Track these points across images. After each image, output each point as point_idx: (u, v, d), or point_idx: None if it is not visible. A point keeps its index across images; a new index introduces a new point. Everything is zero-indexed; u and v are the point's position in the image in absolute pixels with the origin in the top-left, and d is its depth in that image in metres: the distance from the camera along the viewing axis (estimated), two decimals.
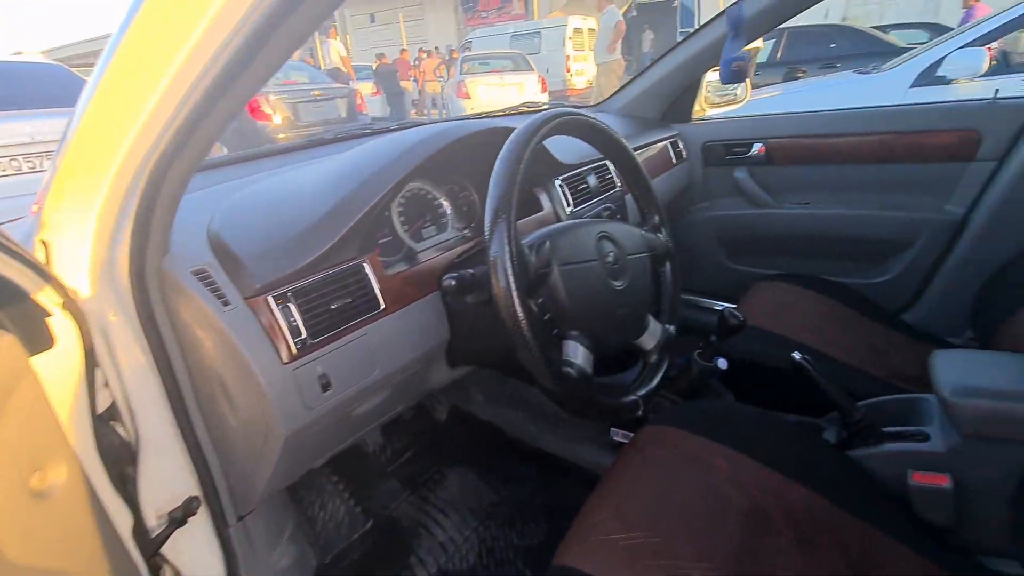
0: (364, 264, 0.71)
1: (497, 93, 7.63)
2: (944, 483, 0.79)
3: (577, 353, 0.67)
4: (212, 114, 0.47)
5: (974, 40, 2.77)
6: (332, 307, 0.66)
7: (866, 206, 1.54)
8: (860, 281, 1.59)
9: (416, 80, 11.00)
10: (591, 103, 1.99)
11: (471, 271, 0.68)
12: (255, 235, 0.67)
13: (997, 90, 1.33)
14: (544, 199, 1.05)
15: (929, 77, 2.80)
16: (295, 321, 0.63)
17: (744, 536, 0.67)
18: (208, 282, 0.60)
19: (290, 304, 0.63)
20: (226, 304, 0.60)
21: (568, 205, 1.07)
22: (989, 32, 2.80)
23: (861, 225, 1.54)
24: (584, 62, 9.92)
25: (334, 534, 1.12)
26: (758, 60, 6.56)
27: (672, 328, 0.88)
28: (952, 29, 6.93)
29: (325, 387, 0.66)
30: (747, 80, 1.75)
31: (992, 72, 2.73)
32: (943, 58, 2.73)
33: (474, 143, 0.88)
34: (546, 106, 1.86)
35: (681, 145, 1.69)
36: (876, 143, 1.47)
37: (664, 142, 1.60)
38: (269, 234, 0.67)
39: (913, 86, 2.86)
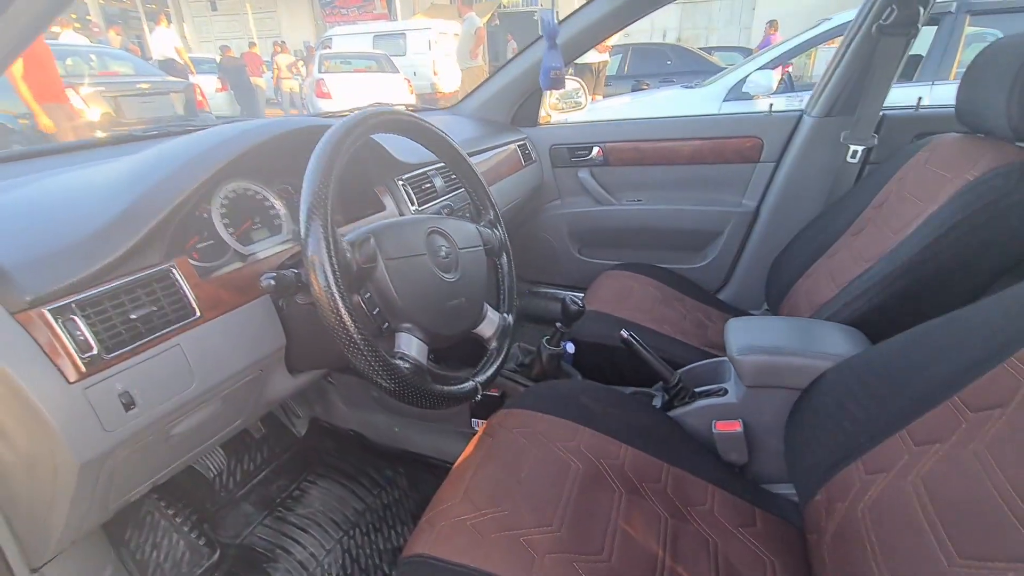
0: (172, 269, 0.65)
1: (361, 93, 7.36)
2: (737, 428, 0.95)
3: (410, 345, 0.69)
4: None
5: (766, 64, 3.32)
6: (132, 316, 0.60)
7: (685, 202, 1.77)
8: (686, 267, 1.83)
9: (272, 77, 10.20)
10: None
11: (295, 271, 0.66)
12: (27, 241, 0.58)
13: (771, 104, 1.61)
14: (388, 200, 1.05)
15: (737, 92, 3.31)
16: (82, 335, 0.56)
17: (581, 497, 0.75)
18: None
19: (74, 316, 0.55)
20: None
21: (412, 204, 1.08)
22: (777, 57, 3.39)
23: (682, 218, 1.77)
24: (451, 65, 9.99)
25: (171, 573, 1.01)
26: (608, 72, 7.18)
27: (510, 316, 0.94)
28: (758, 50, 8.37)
29: (128, 405, 0.59)
30: (585, 94, 1.91)
31: (781, 90, 3.30)
32: (745, 78, 3.24)
33: (300, 141, 0.85)
34: (397, 104, 1.85)
35: (530, 147, 1.79)
36: (689, 148, 1.71)
37: (513, 144, 1.69)
38: (45, 240, 0.58)
39: (725, 100, 3.36)
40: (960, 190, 0.99)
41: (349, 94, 7.24)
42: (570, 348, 1.30)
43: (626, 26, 1.54)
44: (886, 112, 1.46)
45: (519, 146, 1.72)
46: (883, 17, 1.31)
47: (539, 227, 1.95)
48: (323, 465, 1.35)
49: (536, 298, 2.08)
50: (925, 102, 1.51)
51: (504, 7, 12.50)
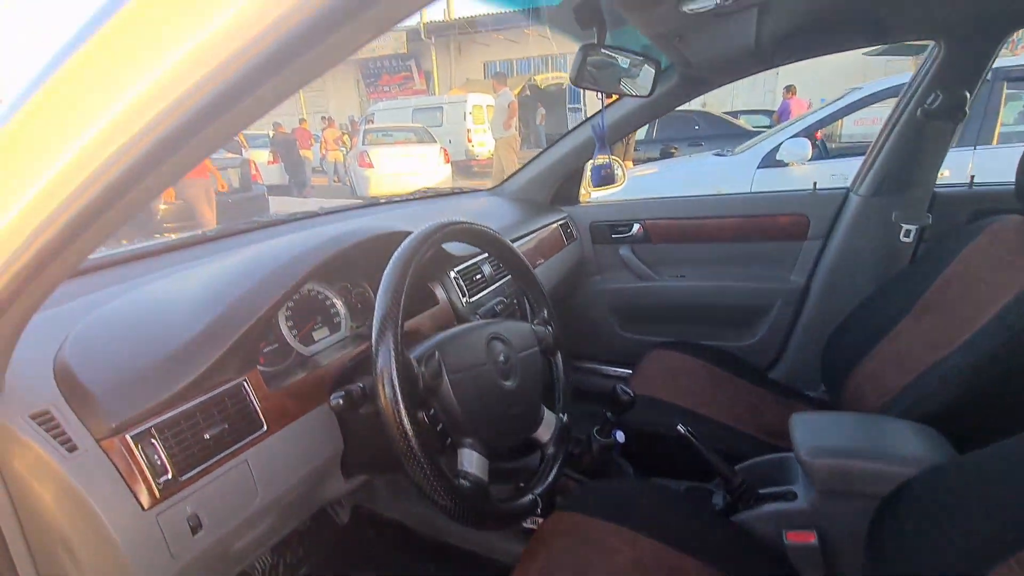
0: (244, 384, 0.67)
1: (400, 163, 7.79)
2: (811, 540, 0.88)
3: (472, 462, 0.68)
4: (138, 187, 0.35)
5: (800, 132, 3.36)
6: (205, 436, 0.61)
7: (730, 278, 1.75)
8: (733, 344, 1.78)
9: (319, 149, 10.95)
10: (491, 174, 2.12)
11: (360, 385, 0.67)
12: (113, 363, 0.60)
13: (815, 183, 1.61)
14: (439, 292, 1.07)
15: (770, 160, 3.33)
16: (159, 460, 0.57)
17: None
18: (50, 425, 0.53)
19: (153, 440, 0.57)
20: (72, 450, 0.53)
21: (464, 296, 1.10)
22: (811, 125, 3.43)
23: (728, 295, 1.74)
24: (484, 134, 10.52)
25: None
26: (637, 138, 7.39)
27: (565, 417, 0.92)
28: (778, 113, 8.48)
29: (195, 528, 0.59)
30: (622, 168, 1.97)
31: (815, 157, 3.31)
32: (778, 146, 3.27)
33: (368, 245, 0.89)
34: (442, 188, 1.94)
35: (571, 225, 1.82)
36: (732, 224, 1.70)
37: (555, 224, 1.72)
38: (131, 360, 0.61)
39: (760, 167, 3.38)
40: None
41: (389, 163, 7.67)
42: (620, 438, 1.26)
43: (664, 114, 1.60)
44: (938, 190, 1.44)
45: (561, 225, 1.75)
46: (928, 102, 1.32)
47: (580, 302, 1.95)
48: (366, 559, 1.31)
49: (578, 374, 2.04)
50: (969, 168, 1.49)
51: (534, 81, 13.23)
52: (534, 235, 1.58)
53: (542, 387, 0.86)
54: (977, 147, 2.95)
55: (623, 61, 1.05)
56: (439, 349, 0.69)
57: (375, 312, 0.65)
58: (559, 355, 0.95)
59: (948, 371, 1.01)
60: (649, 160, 7.25)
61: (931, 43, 1.32)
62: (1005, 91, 2.98)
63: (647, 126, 7.78)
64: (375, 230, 0.92)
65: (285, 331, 0.84)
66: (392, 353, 0.61)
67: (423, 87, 16.10)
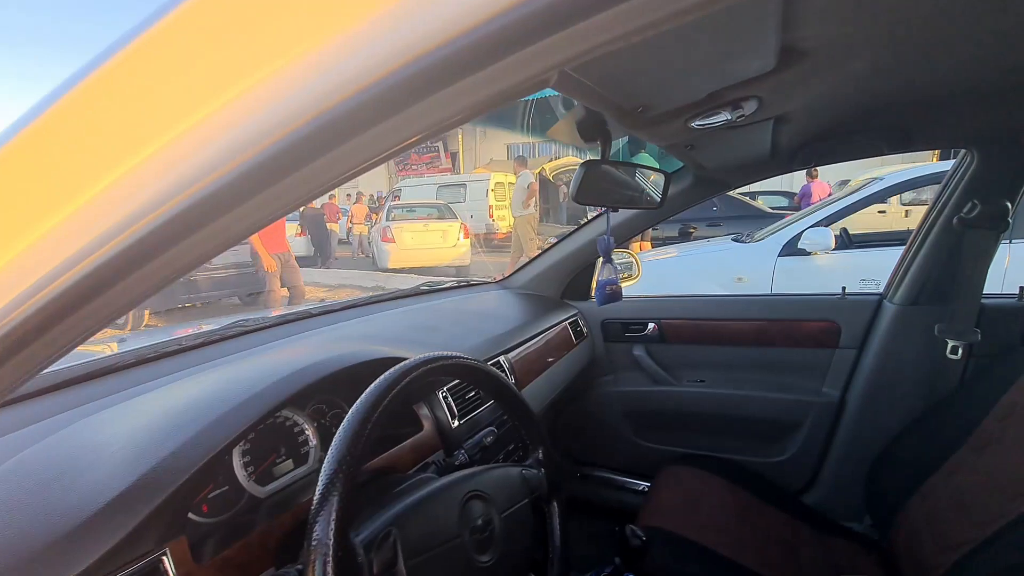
0: (163, 559, 0.56)
1: (422, 238, 7.98)
2: None
3: None
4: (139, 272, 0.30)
5: (820, 221, 3.29)
6: None
7: (755, 386, 1.60)
8: (761, 460, 1.60)
9: (346, 222, 11.41)
10: (509, 248, 2.06)
11: (298, 567, 0.55)
12: (16, 532, 0.50)
13: (844, 287, 1.50)
14: (425, 413, 0.96)
15: (792, 248, 3.23)
16: None
17: None
18: None
19: None
20: None
21: (455, 418, 0.99)
22: (831, 215, 3.35)
23: (753, 405, 1.59)
24: (505, 210, 10.80)
25: None
26: None
27: None
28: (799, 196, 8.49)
29: None
30: (637, 263, 1.89)
31: (839, 246, 3.21)
32: (800, 234, 3.19)
33: (347, 372, 0.80)
34: (449, 281, 1.88)
35: (581, 323, 1.72)
36: (754, 328, 1.58)
37: (565, 323, 1.63)
38: (29, 531, 0.51)
39: (781, 255, 3.28)
40: None
41: (410, 238, 7.85)
42: None
43: (679, 213, 1.54)
44: (985, 302, 1.31)
45: (570, 323, 1.65)
46: (965, 211, 1.23)
47: (590, 404, 1.81)
48: None
49: (586, 483, 1.86)
50: (1006, 263, 1.36)
51: (543, 170, 13.76)
52: (543, 335, 1.49)
53: (528, 554, 0.72)
54: (1012, 240, 2.82)
55: (630, 175, 0.99)
56: (397, 526, 0.57)
57: (324, 464, 0.55)
58: (556, 505, 0.81)
59: None
60: (668, 240, 7.26)
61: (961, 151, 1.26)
62: None
63: None
64: (358, 357, 0.83)
65: (238, 468, 0.73)
66: (331, 537, 0.49)
67: (449, 165, 16.88)
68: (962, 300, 1.26)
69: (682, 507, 1.29)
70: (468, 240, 8.56)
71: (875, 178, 3.51)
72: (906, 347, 1.38)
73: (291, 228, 9.46)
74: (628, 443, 1.78)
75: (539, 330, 1.46)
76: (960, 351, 1.29)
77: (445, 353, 0.70)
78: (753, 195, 9.87)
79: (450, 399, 1.00)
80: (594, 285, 1.83)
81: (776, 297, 1.59)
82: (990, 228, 1.21)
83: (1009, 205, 1.18)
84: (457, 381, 1.05)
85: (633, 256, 1.88)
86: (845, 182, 7.36)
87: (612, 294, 1.05)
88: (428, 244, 7.89)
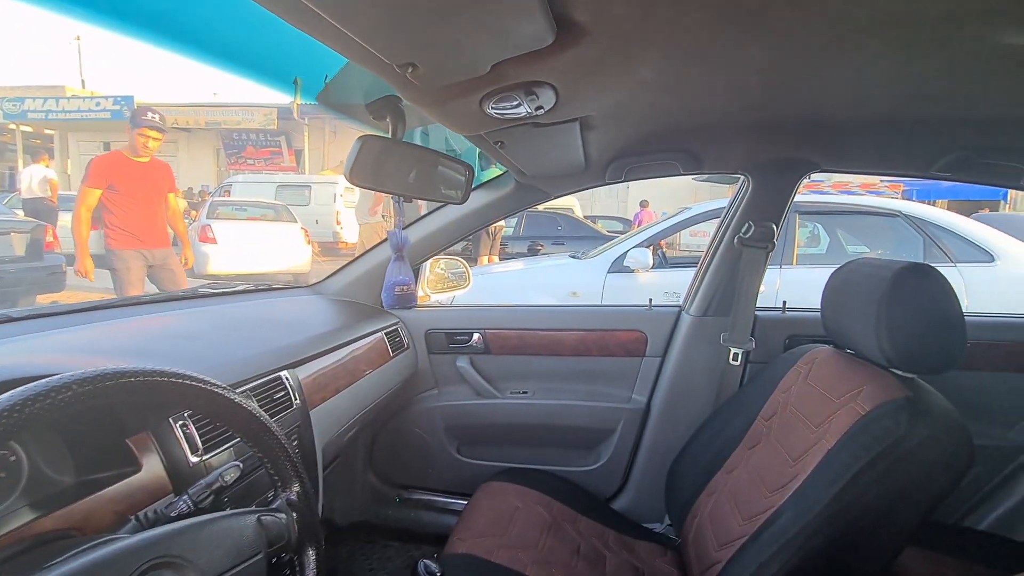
0: None
1: (251, 241, 7.05)
2: None
3: None
4: None
5: (643, 241, 3.63)
6: None
7: (574, 396, 1.61)
8: (578, 469, 1.61)
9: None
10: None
11: None
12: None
13: (651, 300, 1.59)
14: (150, 450, 0.73)
15: (619, 266, 3.51)
16: None
17: None
18: None
19: None
20: None
21: (196, 451, 0.76)
22: (651, 236, 3.73)
23: (572, 415, 1.60)
24: (354, 218, 10.21)
25: None
26: (505, 233, 7.67)
27: None
28: (632, 223, 9.55)
29: None
30: (465, 265, 1.82)
31: (657, 265, 3.57)
32: (625, 253, 3.48)
33: None
34: (254, 284, 1.60)
35: (403, 333, 1.58)
36: (573, 338, 1.60)
37: (381, 332, 1.47)
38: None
39: (609, 272, 3.54)
40: (852, 429, 0.92)
41: (238, 241, 6.90)
42: None
43: (501, 219, 1.51)
44: (758, 314, 1.47)
45: (388, 333, 1.50)
46: (743, 231, 1.37)
47: (411, 421, 1.67)
48: None
49: (406, 508, 1.71)
50: (777, 285, 1.59)
51: None
52: (350, 347, 1.31)
53: None
54: (782, 267, 3.40)
55: (427, 162, 0.89)
56: None
57: None
58: (311, 554, 0.65)
59: (780, 534, 0.90)
60: (518, 255, 7.54)
61: (743, 177, 1.41)
62: (798, 221, 3.54)
63: (516, 221, 8.17)
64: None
65: None
66: None
67: (292, 164, 15.51)
68: (740, 312, 1.40)
69: (494, 526, 1.22)
70: (310, 247, 7.85)
71: (687, 208, 3.99)
72: (699, 355, 1.49)
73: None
74: (450, 460, 1.67)
75: (345, 340, 1.29)
76: (739, 358, 1.43)
77: (113, 369, 0.49)
78: (594, 219, 10.82)
79: (190, 425, 0.77)
80: (423, 286, 1.71)
81: (593, 308, 1.63)
82: (761, 247, 1.36)
83: (775, 227, 1.34)
84: None
85: (463, 265, 1.81)
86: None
87: (403, 296, 0.94)
88: (260, 248, 7.00)
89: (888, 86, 0.88)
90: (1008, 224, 3.94)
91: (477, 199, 1.50)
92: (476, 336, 1.63)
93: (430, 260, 1.71)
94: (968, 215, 4.03)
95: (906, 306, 0.92)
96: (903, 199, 6.27)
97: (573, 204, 9.66)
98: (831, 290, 1.13)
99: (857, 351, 1.06)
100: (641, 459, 1.57)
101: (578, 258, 3.93)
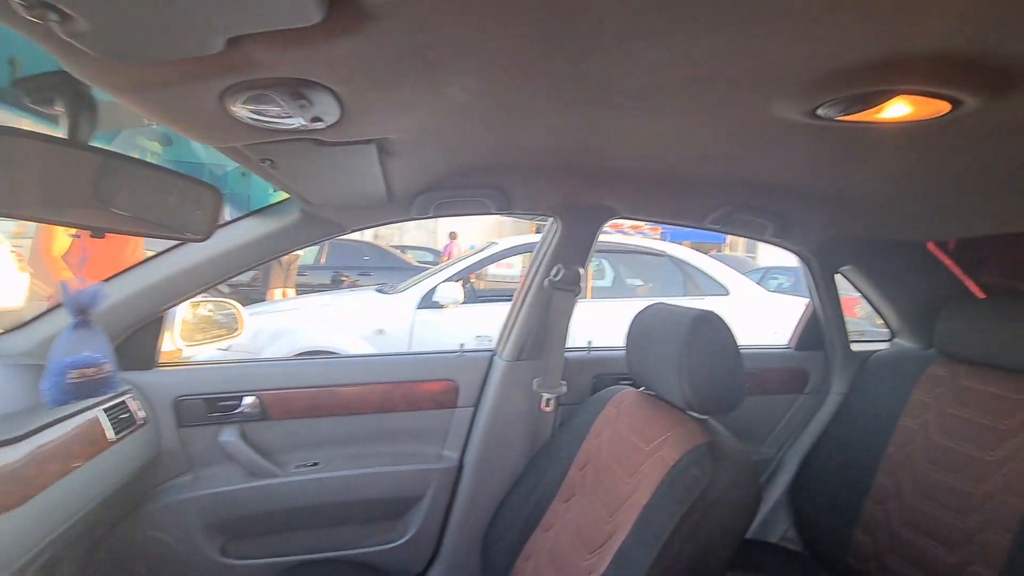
0: None
1: None
2: None
3: None
4: None
5: (452, 276, 3.57)
6: None
7: (377, 462, 1.38)
8: (381, 548, 1.37)
9: None
10: None
11: None
12: None
13: (462, 344, 1.47)
14: None
15: (429, 301, 3.37)
16: None
17: None
18: None
19: None
20: None
21: None
22: (461, 271, 3.69)
23: (374, 485, 1.35)
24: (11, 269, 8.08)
25: None
26: (303, 262, 6.94)
27: None
28: (442, 254, 9.59)
29: None
30: (236, 308, 1.46)
31: (468, 299, 3.53)
32: (435, 288, 3.36)
33: None
34: None
35: (135, 406, 1.15)
36: (376, 393, 1.38)
37: (95, 409, 1.03)
38: None
39: (419, 307, 3.37)
40: (664, 481, 0.90)
41: None
42: None
43: (259, 264, 1.22)
44: (566, 356, 1.46)
45: (108, 409, 1.06)
46: (552, 274, 1.34)
47: (150, 522, 1.22)
48: None
49: None
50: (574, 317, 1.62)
51: None
52: (51, 433, 0.87)
53: None
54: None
55: (148, 181, 0.60)
56: None
57: None
58: None
59: None
60: (320, 287, 6.84)
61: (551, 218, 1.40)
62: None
63: (316, 250, 7.45)
64: None
65: None
66: None
67: None
68: (551, 355, 1.37)
69: None
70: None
71: (494, 243, 4.08)
72: (513, 402, 1.41)
73: None
74: (211, 567, 1.26)
75: (19, 434, 0.85)
76: (551, 403, 1.39)
77: None
78: (404, 249, 10.58)
79: None
80: (173, 338, 1.29)
81: (397, 357, 1.44)
82: (569, 290, 1.35)
83: (581, 271, 1.35)
84: None
85: (234, 307, 1.44)
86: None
87: (84, 385, 0.62)
88: None
89: (675, 145, 0.92)
90: (733, 262, 4.99)
91: (249, 229, 1.19)
92: (249, 400, 1.28)
93: (188, 303, 1.31)
94: (705, 254, 5.00)
95: (703, 353, 0.95)
96: (661, 239, 7.55)
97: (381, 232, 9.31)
98: (634, 334, 1.15)
99: (658, 393, 1.08)
100: (454, 524, 1.40)
101: (385, 292, 3.67)
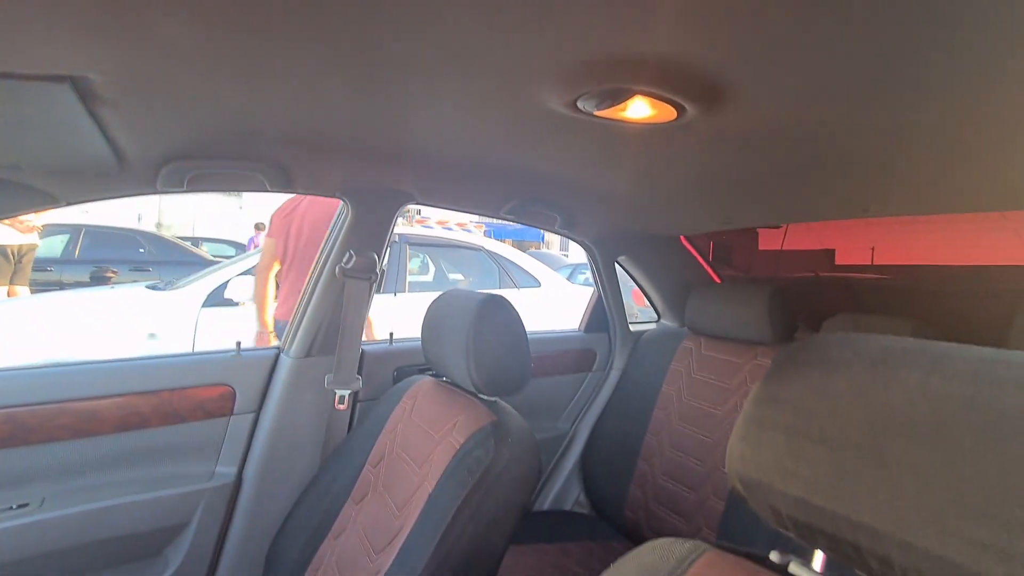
0: None
1: None
2: None
3: None
4: None
5: (251, 268, 3.14)
6: None
7: (124, 490, 1.12)
8: None
9: None
10: None
11: None
12: None
13: (239, 342, 1.28)
14: None
15: (219, 298, 2.91)
16: None
17: None
18: None
19: None
20: None
21: None
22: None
23: (118, 520, 1.09)
24: None
25: None
26: (48, 254, 5.49)
27: None
28: (246, 247, 8.46)
29: None
30: None
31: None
32: (227, 282, 2.91)
33: None
34: None
35: None
36: (122, 406, 1.12)
37: None
38: None
39: (205, 305, 2.89)
40: (449, 465, 0.89)
41: None
42: None
43: None
44: (365, 348, 1.38)
45: None
46: (344, 261, 1.24)
47: None
48: None
49: None
50: (390, 309, 1.56)
51: None
52: None
53: None
54: (397, 293, 3.58)
55: None
56: None
57: None
58: None
59: None
60: (79, 285, 5.45)
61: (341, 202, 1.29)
62: (408, 251, 3.81)
63: (66, 242, 5.94)
64: None
65: None
66: None
67: None
68: (345, 349, 1.27)
69: None
70: None
71: None
72: (302, 403, 1.28)
73: None
74: None
75: None
76: (346, 399, 1.29)
77: None
78: (196, 241, 9.09)
79: None
80: None
81: (152, 360, 1.18)
82: (364, 278, 1.27)
83: (376, 256, 1.27)
84: None
85: None
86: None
87: None
88: None
89: (462, 132, 0.92)
90: (547, 259, 5.41)
91: None
92: None
93: None
94: (524, 251, 5.32)
95: (488, 335, 0.97)
96: (485, 236, 7.84)
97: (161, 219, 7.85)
98: (429, 320, 1.13)
99: (452, 380, 1.08)
100: (230, 548, 1.21)
101: (160, 288, 3.08)
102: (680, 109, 0.74)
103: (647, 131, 0.85)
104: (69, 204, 0.99)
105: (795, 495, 0.45)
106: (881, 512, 0.39)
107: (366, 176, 1.17)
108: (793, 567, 0.51)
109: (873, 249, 1.81)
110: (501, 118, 0.83)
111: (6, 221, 3.72)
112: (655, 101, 0.72)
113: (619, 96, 0.72)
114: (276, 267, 2.18)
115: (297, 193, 1.20)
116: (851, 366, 0.45)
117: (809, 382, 0.47)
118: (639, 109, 0.76)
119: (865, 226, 1.81)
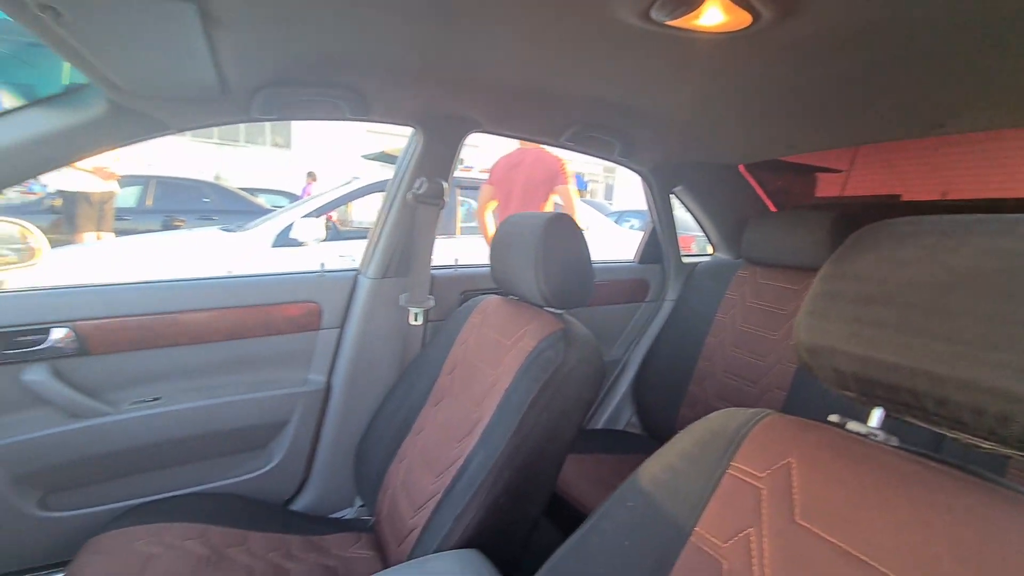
0: None
1: None
2: None
3: None
4: None
5: (311, 212, 3.31)
6: None
7: (232, 390, 1.29)
8: (246, 477, 1.31)
9: None
10: None
11: None
12: None
13: (323, 264, 1.40)
14: None
15: (285, 238, 3.10)
16: None
17: None
18: None
19: None
20: None
21: None
22: (320, 207, 3.44)
23: (231, 415, 1.27)
24: None
25: None
26: (126, 205, 5.90)
27: None
28: (300, 197, 8.77)
29: None
30: (30, 231, 1.21)
31: (330, 237, 3.32)
32: (291, 225, 3.09)
33: None
34: None
35: None
36: (228, 320, 1.27)
37: None
38: None
39: (275, 245, 3.09)
40: (524, 364, 0.98)
41: None
42: None
43: (44, 171, 1.01)
44: (434, 272, 1.48)
45: None
46: (416, 187, 1.32)
47: None
48: None
49: None
50: (449, 250, 1.66)
51: None
52: None
53: None
54: (451, 236, 3.68)
55: None
56: None
57: None
58: None
59: (474, 477, 0.90)
60: (149, 233, 5.88)
61: (413, 130, 1.35)
62: (459, 196, 3.88)
63: (140, 193, 6.35)
64: None
65: None
66: None
67: None
68: (418, 271, 1.37)
69: None
70: None
71: (356, 178, 3.85)
72: (380, 320, 1.40)
73: None
74: (28, 524, 1.10)
75: None
76: (420, 317, 1.40)
77: None
78: (254, 192, 9.47)
79: None
80: None
81: (251, 279, 1.32)
82: (433, 204, 1.35)
83: (444, 184, 1.34)
84: None
85: (21, 226, 1.19)
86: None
87: None
88: None
89: (528, 57, 0.95)
90: (594, 206, 5.38)
91: (35, 123, 0.97)
92: (60, 332, 1.10)
93: None
94: None
95: (556, 250, 1.03)
96: None
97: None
98: (497, 244, 1.20)
99: (520, 296, 1.16)
100: (324, 446, 1.38)
101: (232, 231, 3.30)
102: (755, 14, 0.74)
103: (716, 44, 0.85)
104: (178, 131, 1.10)
105: (859, 353, 0.50)
106: (944, 358, 0.44)
107: (438, 103, 1.22)
108: (851, 425, 0.57)
109: (944, 193, 1.73)
110: (569, 36, 0.85)
111: (89, 168, 4.02)
112: (730, 5, 0.73)
113: (693, 2, 0.73)
114: (493, 204, 2.65)
115: (373, 121, 1.27)
116: (921, 236, 0.49)
117: (879, 253, 0.51)
118: (713, 16, 0.77)
119: (933, 170, 1.72)
